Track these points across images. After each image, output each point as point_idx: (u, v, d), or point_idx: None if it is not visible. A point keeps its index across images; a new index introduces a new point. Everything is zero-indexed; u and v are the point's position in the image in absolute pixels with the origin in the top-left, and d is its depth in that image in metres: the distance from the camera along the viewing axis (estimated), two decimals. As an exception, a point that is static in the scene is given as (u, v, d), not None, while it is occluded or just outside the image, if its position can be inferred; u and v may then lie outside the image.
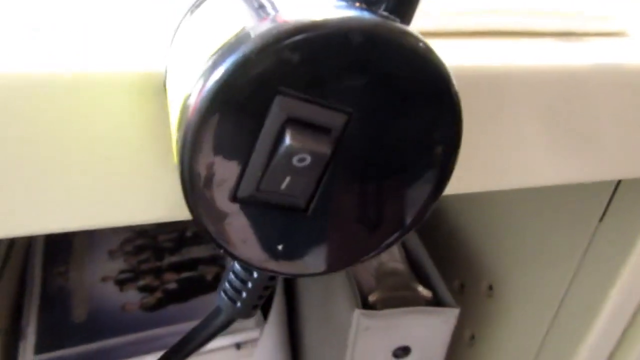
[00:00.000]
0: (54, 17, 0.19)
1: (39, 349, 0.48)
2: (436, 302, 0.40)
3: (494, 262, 0.45)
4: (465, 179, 0.24)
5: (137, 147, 0.18)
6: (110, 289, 0.55)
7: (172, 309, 0.53)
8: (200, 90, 0.12)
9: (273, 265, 0.15)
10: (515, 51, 0.23)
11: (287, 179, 0.13)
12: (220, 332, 0.19)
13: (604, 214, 0.35)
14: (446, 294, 0.40)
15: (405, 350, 0.40)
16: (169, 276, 0.56)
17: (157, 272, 0.57)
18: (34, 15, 0.19)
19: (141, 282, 0.55)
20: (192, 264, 0.57)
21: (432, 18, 0.22)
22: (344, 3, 0.13)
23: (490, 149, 0.24)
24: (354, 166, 0.14)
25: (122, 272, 0.56)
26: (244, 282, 0.18)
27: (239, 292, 0.18)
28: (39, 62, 0.16)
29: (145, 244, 0.59)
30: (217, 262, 0.56)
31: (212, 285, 0.54)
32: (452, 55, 0.21)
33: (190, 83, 0.13)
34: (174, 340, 0.20)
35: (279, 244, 0.14)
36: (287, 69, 0.12)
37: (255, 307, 0.19)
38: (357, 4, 0.13)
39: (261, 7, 0.13)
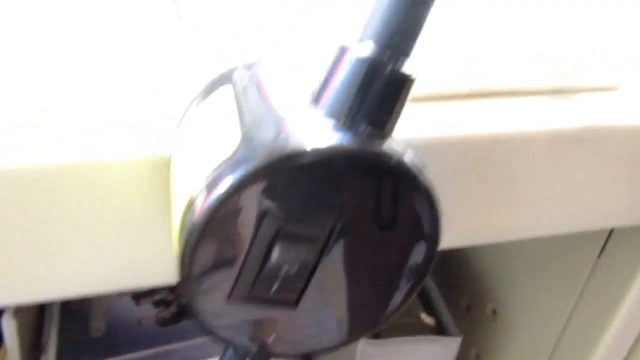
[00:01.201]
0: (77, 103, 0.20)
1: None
2: (439, 329, 0.41)
3: (498, 287, 0.46)
4: (472, 233, 0.25)
5: (144, 221, 0.19)
6: (127, 303, 0.56)
7: (187, 323, 0.55)
8: (202, 204, 0.13)
9: (265, 349, 0.16)
10: (505, 115, 0.24)
11: (277, 283, 0.14)
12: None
13: (601, 251, 0.35)
14: (449, 321, 0.41)
15: (409, 376, 0.41)
16: (183, 291, 0.57)
17: (172, 286, 0.58)
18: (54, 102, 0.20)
19: (157, 297, 0.57)
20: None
21: (428, 83, 0.23)
22: (330, 122, 0.14)
23: (492, 206, 0.25)
24: (339, 267, 0.15)
25: (138, 286, 0.58)
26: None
27: None
28: (62, 152, 0.18)
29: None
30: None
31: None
32: (444, 122, 0.22)
33: (195, 188, 0.14)
34: (189, 354, 0.21)
35: (271, 333, 0.16)
36: (275, 192, 0.13)
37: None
38: (342, 121, 0.14)
39: (248, 131, 0.14)
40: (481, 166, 0.24)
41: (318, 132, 0.14)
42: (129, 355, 0.52)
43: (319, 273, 0.15)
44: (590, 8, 0.26)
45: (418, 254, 0.16)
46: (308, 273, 0.15)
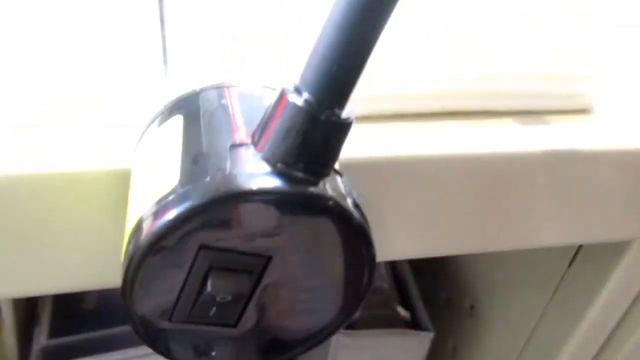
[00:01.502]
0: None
1: (52, 334, 0.52)
2: (414, 323, 0.42)
3: (476, 284, 0.47)
4: (463, 242, 0.27)
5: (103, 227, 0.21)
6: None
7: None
8: (147, 230, 0.14)
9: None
10: (457, 137, 0.24)
11: (214, 309, 0.15)
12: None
13: (572, 259, 0.36)
14: (424, 316, 0.42)
15: (382, 365, 0.43)
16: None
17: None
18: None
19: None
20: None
21: (395, 101, 0.24)
22: (268, 166, 0.15)
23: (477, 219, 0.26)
24: (275, 294, 0.16)
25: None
26: None
27: None
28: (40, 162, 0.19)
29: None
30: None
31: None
32: (410, 142, 0.23)
33: (144, 212, 0.15)
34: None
35: (212, 351, 0.17)
36: (213, 227, 0.14)
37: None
38: (278, 165, 0.15)
39: (195, 162, 0.15)
40: (475, 184, 0.25)
41: (256, 175, 0.14)
42: (119, 328, 0.54)
43: (255, 299, 0.16)
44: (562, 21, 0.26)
45: (355, 280, 0.17)
46: (244, 300, 0.16)
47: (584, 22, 0.26)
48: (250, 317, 0.16)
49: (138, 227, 0.15)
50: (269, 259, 0.15)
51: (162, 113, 0.19)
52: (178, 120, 0.17)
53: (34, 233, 0.20)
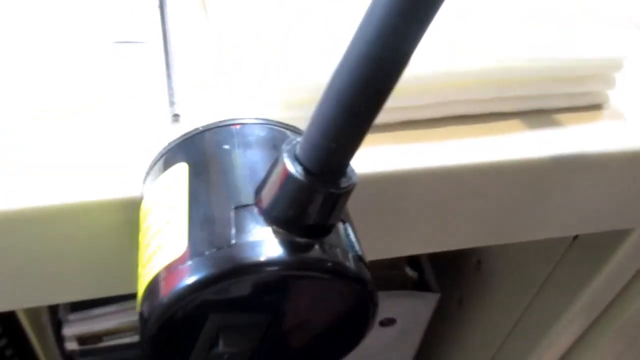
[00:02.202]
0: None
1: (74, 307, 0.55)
2: (421, 283, 0.44)
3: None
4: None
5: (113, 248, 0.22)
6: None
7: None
8: (159, 301, 0.15)
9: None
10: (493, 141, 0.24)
11: (226, 356, 0.17)
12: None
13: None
14: (431, 277, 0.44)
15: (391, 321, 0.45)
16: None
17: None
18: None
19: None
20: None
21: (401, 111, 0.24)
22: (269, 235, 0.15)
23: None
24: (282, 339, 0.17)
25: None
26: None
27: None
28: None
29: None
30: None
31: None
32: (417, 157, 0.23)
33: (157, 271, 0.16)
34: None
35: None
36: (217, 296, 0.15)
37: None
38: (280, 231, 0.15)
39: (202, 227, 0.16)
40: (482, 189, 0.25)
41: (259, 246, 0.15)
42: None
43: (263, 346, 0.17)
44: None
45: (358, 321, 0.18)
46: (253, 350, 0.17)
47: (590, 19, 0.25)
48: (262, 356, 0.18)
49: (152, 289, 0.16)
50: (275, 313, 0.16)
51: (167, 152, 0.19)
52: (183, 170, 0.18)
53: (56, 254, 0.22)
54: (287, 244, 0.15)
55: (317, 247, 0.16)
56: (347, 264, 0.16)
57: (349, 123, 0.14)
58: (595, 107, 0.27)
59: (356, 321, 0.18)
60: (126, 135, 0.22)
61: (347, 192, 0.15)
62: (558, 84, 0.25)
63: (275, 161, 0.16)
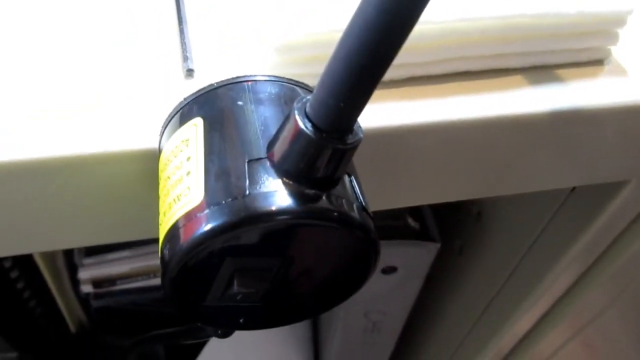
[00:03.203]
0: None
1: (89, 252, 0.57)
2: (423, 233, 0.46)
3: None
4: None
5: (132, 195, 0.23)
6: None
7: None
8: (179, 245, 0.17)
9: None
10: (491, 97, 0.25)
11: (240, 296, 0.18)
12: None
13: (572, 189, 0.38)
14: (432, 227, 0.45)
15: (392, 269, 0.47)
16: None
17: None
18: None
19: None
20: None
21: (406, 68, 0.25)
22: (280, 187, 0.16)
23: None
24: (292, 280, 0.19)
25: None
26: None
27: None
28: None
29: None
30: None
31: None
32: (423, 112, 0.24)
33: (176, 219, 0.17)
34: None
35: (240, 319, 0.20)
36: (233, 242, 0.17)
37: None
38: (290, 183, 0.17)
39: (217, 178, 0.17)
40: (484, 143, 0.26)
41: (271, 196, 0.16)
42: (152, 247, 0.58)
43: (274, 287, 0.19)
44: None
45: (361, 265, 0.19)
46: (265, 289, 0.18)
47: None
48: (272, 296, 0.19)
49: (172, 235, 0.17)
50: (285, 257, 0.18)
51: (183, 107, 0.20)
52: (199, 124, 0.19)
53: (74, 200, 0.23)
54: (296, 194, 0.16)
55: (324, 198, 0.17)
56: (352, 214, 0.17)
57: (356, 84, 0.15)
58: (597, 62, 0.28)
59: (359, 267, 0.19)
60: (142, 89, 0.23)
61: (354, 147, 0.16)
62: (560, 39, 0.26)
63: (287, 118, 0.17)
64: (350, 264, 0.19)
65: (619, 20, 0.26)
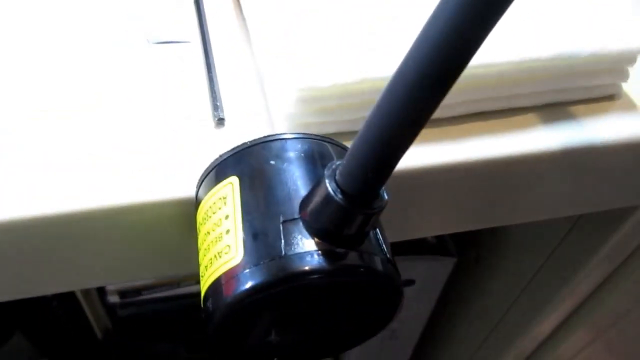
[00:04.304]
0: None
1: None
2: (440, 248, 0.47)
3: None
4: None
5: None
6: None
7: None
8: (223, 301, 0.18)
9: None
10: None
11: (275, 343, 0.20)
12: None
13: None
14: (449, 243, 0.47)
15: (410, 282, 0.49)
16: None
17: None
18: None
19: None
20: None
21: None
22: (313, 247, 0.18)
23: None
24: (321, 332, 0.20)
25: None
26: None
27: None
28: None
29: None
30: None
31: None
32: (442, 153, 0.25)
33: (218, 275, 0.19)
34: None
35: (274, 358, 0.22)
36: (271, 298, 0.18)
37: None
38: (322, 244, 0.18)
39: (254, 238, 0.19)
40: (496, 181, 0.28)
41: (305, 257, 0.18)
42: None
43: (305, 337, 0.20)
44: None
45: (387, 310, 0.21)
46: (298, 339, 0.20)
47: (604, 10, 0.26)
48: (305, 342, 0.21)
49: (215, 289, 0.19)
50: (318, 309, 0.19)
51: (219, 164, 0.21)
52: (235, 183, 0.20)
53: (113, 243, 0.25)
54: (328, 254, 0.18)
55: (353, 254, 0.18)
56: (378, 267, 0.19)
57: (383, 160, 0.16)
58: (608, 97, 0.29)
59: (385, 310, 0.20)
60: (174, 138, 0.25)
61: (379, 211, 0.18)
62: (573, 78, 0.27)
63: (319, 182, 0.18)
64: (378, 309, 0.20)
65: (630, 59, 0.27)
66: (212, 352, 0.20)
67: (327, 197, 0.17)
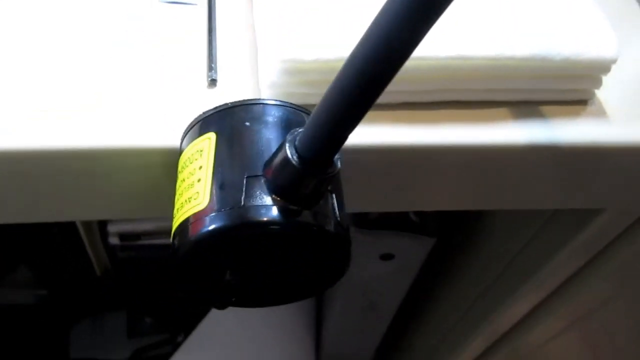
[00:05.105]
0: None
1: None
2: (421, 227, 0.49)
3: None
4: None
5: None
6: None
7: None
8: (187, 240, 0.21)
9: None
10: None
11: (233, 283, 0.23)
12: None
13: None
14: (431, 223, 0.49)
15: (390, 256, 0.51)
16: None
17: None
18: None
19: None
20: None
21: (402, 94, 0.28)
22: (270, 202, 0.20)
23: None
24: (273, 278, 0.23)
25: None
26: None
27: None
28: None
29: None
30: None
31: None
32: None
33: (186, 217, 0.21)
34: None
35: (232, 298, 0.24)
36: (228, 241, 0.21)
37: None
38: (279, 199, 0.20)
39: (221, 187, 0.21)
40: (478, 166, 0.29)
41: (262, 209, 0.20)
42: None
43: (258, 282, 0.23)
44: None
45: (336, 266, 0.23)
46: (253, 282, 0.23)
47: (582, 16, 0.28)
48: (260, 286, 0.23)
49: (182, 228, 0.21)
50: (271, 257, 0.22)
51: (201, 120, 0.24)
52: (212, 138, 0.23)
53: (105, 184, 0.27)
54: (282, 209, 0.20)
55: (306, 213, 0.21)
56: (328, 228, 0.21)
57: (335, 132, 0.18)
58: (581, 102, 0.30)
59: (334, 267, 0.23)
60: (169, 94, 0.27)
61: (332, 176, 0.20)
62: (545, 81, 0.29)
63: (281, 145, 0.20)
64: (327, 264, 0.23)
65: (603, 67, 0.28)
66: (179, 287, 0.23)
67: (286, 159, 0.20)
